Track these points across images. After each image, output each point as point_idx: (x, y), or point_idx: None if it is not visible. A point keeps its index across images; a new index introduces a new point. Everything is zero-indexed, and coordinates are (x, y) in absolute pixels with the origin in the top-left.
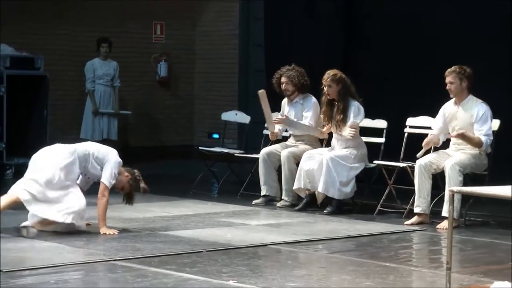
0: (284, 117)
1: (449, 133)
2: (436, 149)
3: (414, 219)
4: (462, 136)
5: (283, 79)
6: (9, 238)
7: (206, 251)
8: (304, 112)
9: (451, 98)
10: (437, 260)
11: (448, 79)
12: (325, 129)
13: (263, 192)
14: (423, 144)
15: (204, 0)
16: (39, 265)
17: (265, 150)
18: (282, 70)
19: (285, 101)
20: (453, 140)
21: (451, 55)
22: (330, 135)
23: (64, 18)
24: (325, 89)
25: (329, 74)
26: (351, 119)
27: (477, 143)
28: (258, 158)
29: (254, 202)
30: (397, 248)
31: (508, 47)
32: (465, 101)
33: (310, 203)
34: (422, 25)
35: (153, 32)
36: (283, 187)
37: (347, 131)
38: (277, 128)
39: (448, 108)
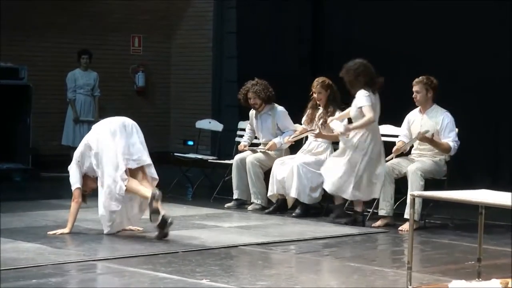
0: (272, 145)
1: (419, 132)
2: (398, 155)
3: (379, 221)
4: (430, 141)
5: (250, 94)
6: None
7: (181, 251)
8: (279, 124)
9: (415, 107)
10: (399, 260)
11: (414, 88)
12: (291, 138)
13: (235, 196)
14: (393, 150)
15: (180, 14)
16: (21, 265)
17: (238, 156)
18: (247, 85)
19: (252, 112)
20: (415, 146)
21: (415, 66)
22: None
23: (47, 31)
24: (315, 95)
25: (318, 81)
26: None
27: (445, 149)
28: (230, 164)
29: (226, 205)
30: (361, 249)
31: (465, 59)
32: (429, 110)
33: (280, 207)
34: (387, 37)
35: (131, 45)
36: (251, 191)
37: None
38: (243, 143)
39: (413, 116)
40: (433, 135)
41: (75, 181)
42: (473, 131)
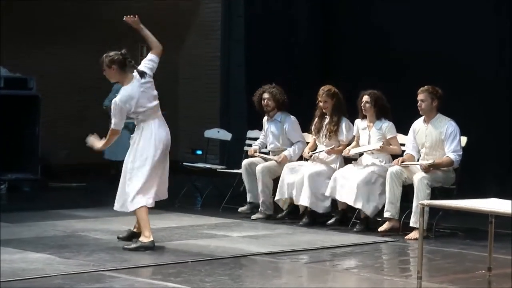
0: (283, 158)
1: (421, 165)
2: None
3: (386, 224)
4: (434, 167)
5: (265, 95)
6: (1, 249)
7: (190, 261)
8: (288, 134)
9: (419, 116)
10: (408, 270)
11: (420, 97)
12: (307, 148)
13: (248, 200)
14: (397, 162)
15: (187, 24)
16: (30, 276)
17: (246, 161)
18: (264, 87)
19: (265, 119)
20: (422, 155)
21: (419, 74)
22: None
23: (55, 41)
24: (321, 104)
25: (323, 89)
26: (344, 134)
27: (448, 163)
28: (239, 173)
29: (240, 209)
30: (370, 258)
31: (472, 66)
32: (434, 119)
33: (291, 213)
34: (392, 47)
35: (139, 54)
36: (260, 200)
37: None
38: (254, 147)
39: (418, 126)
40: (434, 161)
41: None
42: (482, 139)
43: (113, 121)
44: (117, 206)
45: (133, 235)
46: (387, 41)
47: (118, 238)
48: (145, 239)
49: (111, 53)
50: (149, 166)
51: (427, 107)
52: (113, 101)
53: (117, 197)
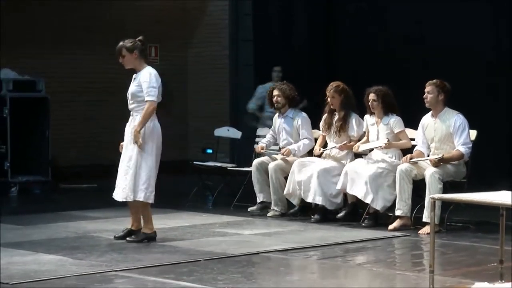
0: (287, 151)
1: (431, 160)
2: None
3: (396, 222)
4: (444, 161)
5: (275, 92)
6: (13, 251)
7: (203, 260)
8: (300, 130)
9: (428, 111)
10: (420, 264)
11: (427, 89)
12: (317, 145)
13: (259, 199)
14: (407, 159)
15: (195, 23)
16: (43, 277)
17: (257, 161)
18: (275, 84)
19: (276, 116)
20: (432, 150)
21: (419, 74)
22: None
23: (63, 43)
24: (329, 99)
25: (332, 86)
26: (354, 129)
27: (458, 156)
28: (249, 171)
29: (249, 209)
30: (383, 253)
31: (481, 60)
32: (441, 113)
33: (303, 209)
34: (401, 42)
35: (148, 54)
36: (272, 197)
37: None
38: (262, 144)
39: (426, 120)
40: (443, 156)
41: None
42: (491, 132)
43: (153, 92)
44: (121, 196)
45: (131, 233)
46: (398, 37)
47: (115, 237)
48: (148, 230)
49: (130, 40)
50: (154, 158)
51: (433, 100)
52: (150, 73)
53: (120, 188)
